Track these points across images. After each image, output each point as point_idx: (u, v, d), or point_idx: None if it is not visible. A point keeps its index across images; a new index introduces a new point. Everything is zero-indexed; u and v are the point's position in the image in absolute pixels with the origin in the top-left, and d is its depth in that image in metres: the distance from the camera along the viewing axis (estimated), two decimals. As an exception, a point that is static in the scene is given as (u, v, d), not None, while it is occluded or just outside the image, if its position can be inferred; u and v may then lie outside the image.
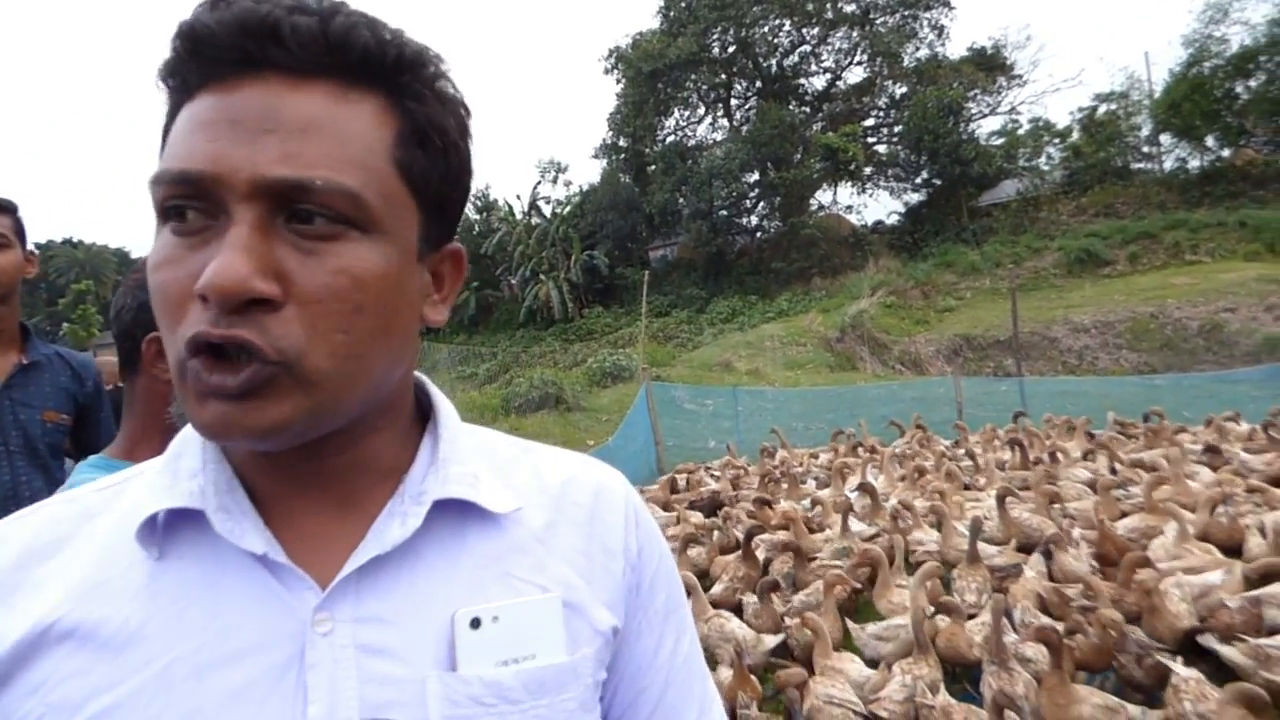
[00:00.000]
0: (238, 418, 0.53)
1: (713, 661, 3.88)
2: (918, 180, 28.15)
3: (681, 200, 28.57)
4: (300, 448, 0.58)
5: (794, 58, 31.29)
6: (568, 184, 32.54)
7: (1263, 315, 17.00)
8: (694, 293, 27.09)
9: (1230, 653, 3.21)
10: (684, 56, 29.05)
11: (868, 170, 28.60)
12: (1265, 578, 3.74)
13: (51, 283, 45.20)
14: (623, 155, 32.21)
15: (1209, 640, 3.40)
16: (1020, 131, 27.40)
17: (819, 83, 31.84)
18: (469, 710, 0.58)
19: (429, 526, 0.61)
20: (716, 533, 5.36)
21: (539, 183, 33.15)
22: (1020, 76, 28.53)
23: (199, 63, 0.54)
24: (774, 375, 15.17)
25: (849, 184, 29.10)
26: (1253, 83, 23.57)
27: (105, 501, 0.63)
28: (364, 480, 0.63)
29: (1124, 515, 4.73)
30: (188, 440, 0.64)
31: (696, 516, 6.02)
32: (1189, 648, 3.45)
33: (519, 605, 0.62)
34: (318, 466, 0.61)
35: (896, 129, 28.89)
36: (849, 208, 30.75)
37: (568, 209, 31.93)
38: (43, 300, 44.34)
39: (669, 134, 32.34)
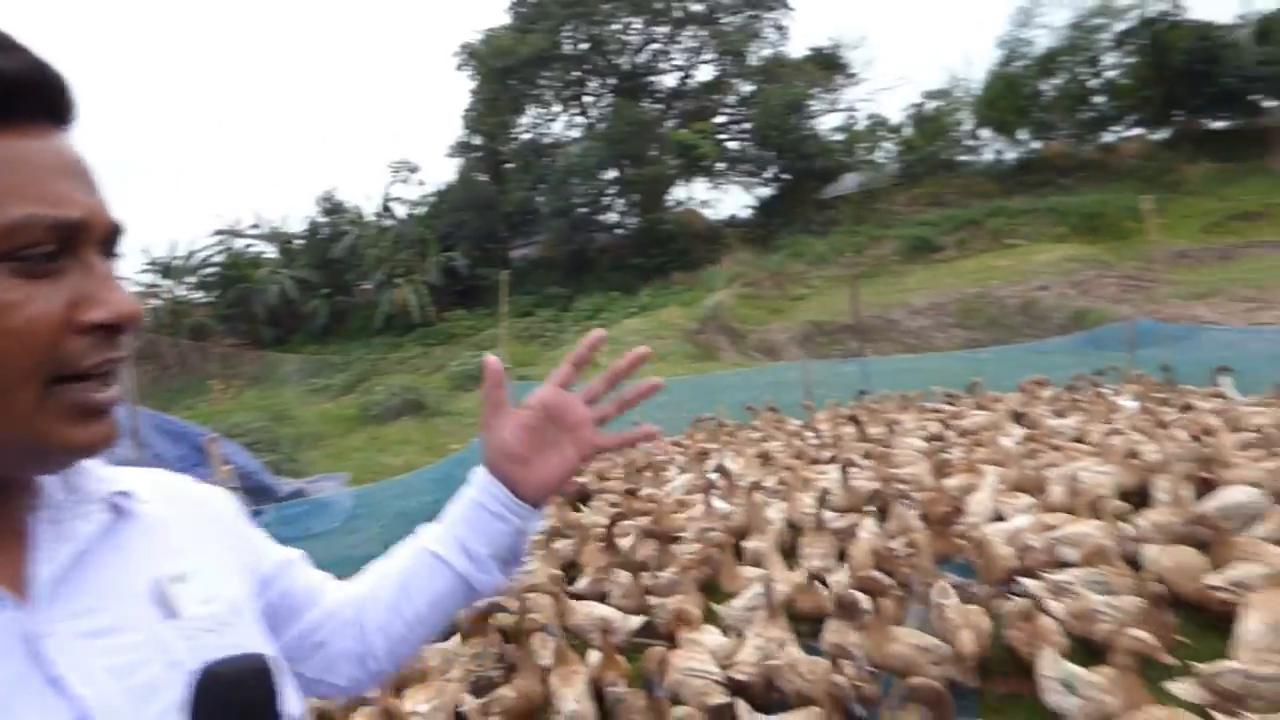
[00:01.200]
0: (111, 430, 0.64)
1: (584, 647, 3.93)
2: (767, 175, 29.43)
3: (540, 199, 28.45)
4: None
5: (645, 55, 31.86)
6: (421, 183, 31.53)
7: (1071, 291, 19.04)
8: (557, 291, 27.03)
9: (1034, 586, 3.61)
10: (536, 53, 28.93)
11: (720, 166, 29.57)
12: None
13: None
14: (478, 154, 31.68)
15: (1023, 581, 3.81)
16: (858, 127, 29.25)
17: (670, 80, 32.63)
18: (205, 639, 0.68)
19: (94, 526, 0.69)
20: (584, 524, 5.42)
21: (391, 183, 31.91)
22: (856, 75, 30.47)
23: (12, 104, 0.59)
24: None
25: (703, 179, 30.00)
26: (1056, 80, 26.36)
27: None
28: (18, 500, 0.66)
29: (948, 476, 5.19)
30: None
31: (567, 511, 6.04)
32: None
33: (195, 564, 0.74)
34: None
35: (746, 125, 30.04)
36: (704, 203, 31.72)
37: (423, 210, 31.00)
38: None
39: (524, 132, 32.11)
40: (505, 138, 31.33)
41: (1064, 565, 3.87)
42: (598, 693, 3.52)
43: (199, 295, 30.62)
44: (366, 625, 0.93)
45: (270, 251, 32.11)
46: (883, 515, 4.81)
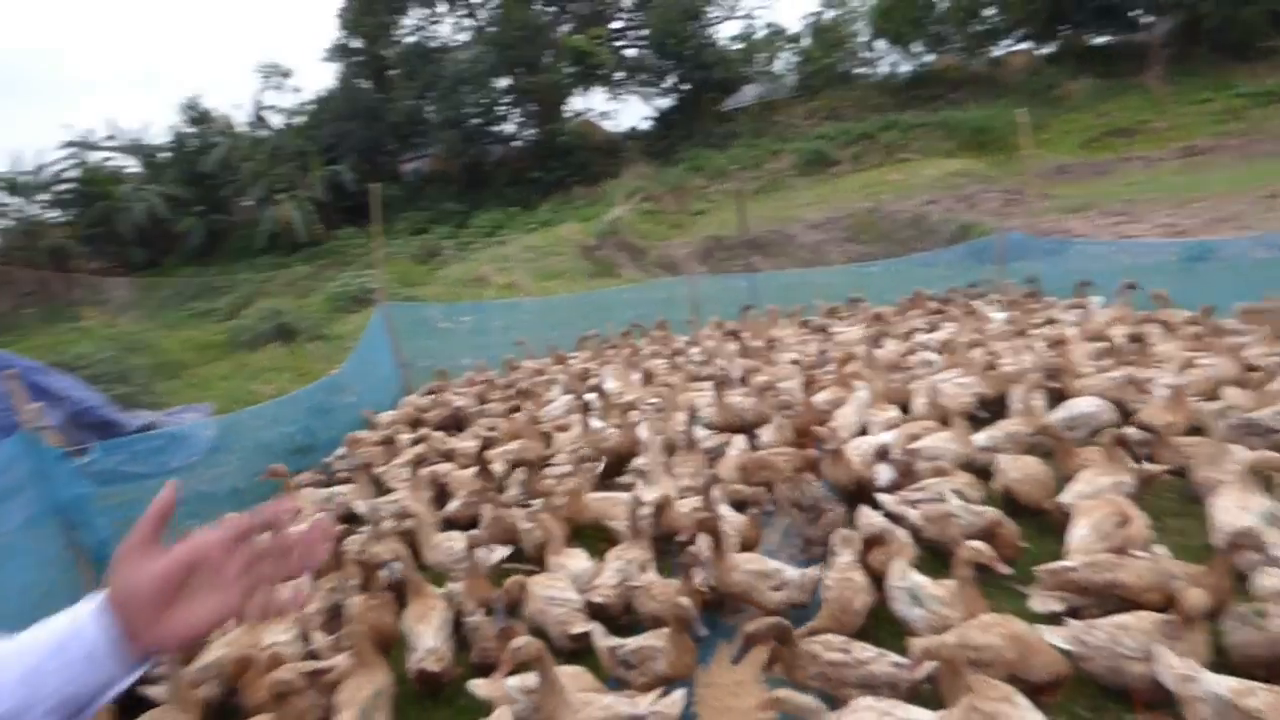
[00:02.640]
0: None
1: (443, 581, 3.81)
2: (666, 85, 28.67)
3: (429, 108, 26.86)
4: None
5: (533, -48, 29.97)
6: (297, 90, 29.13)
7: (958, 206, 19.59)
8: (453, 207, 25.89)
9: (888, 500, 3.69)
10: (415, -53, 26.77)
11: (618, 75, 28.58)
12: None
13: None
14: (359, 58, 29.44)
15: (883, 470, 3.88)
16: (757, 37, 28.68)
17: (563, -20, 30.89)
18: None
19: None
20: (456, 450, 5.24)
21: (262, 90, 29.37)
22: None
23: None
24: (531, 287, 15.06)
25: (601, 89, 28.99)
26: (951, -9, 26.43)
27: None
28: None
29: (819, 391, 5.25)
30: None
31: (439, 435, 5.85)
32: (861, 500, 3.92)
33: None
34: None
35: (643, 33, 28.97)
36: (603, 114, 30.70)
37: (301, 119, 28.80)
38: None
39: (407, 34, 29.93)
40: (387, 40, 29.16)
41: (920, 478, 3.97)
42: (457, 620, 3.45)
43: (55, 214, 27.73)
44: None
45: (132, 166, 29.28)
46: (750, 435, 4.84)
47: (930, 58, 27.49)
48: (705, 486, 3.79)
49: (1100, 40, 26.08)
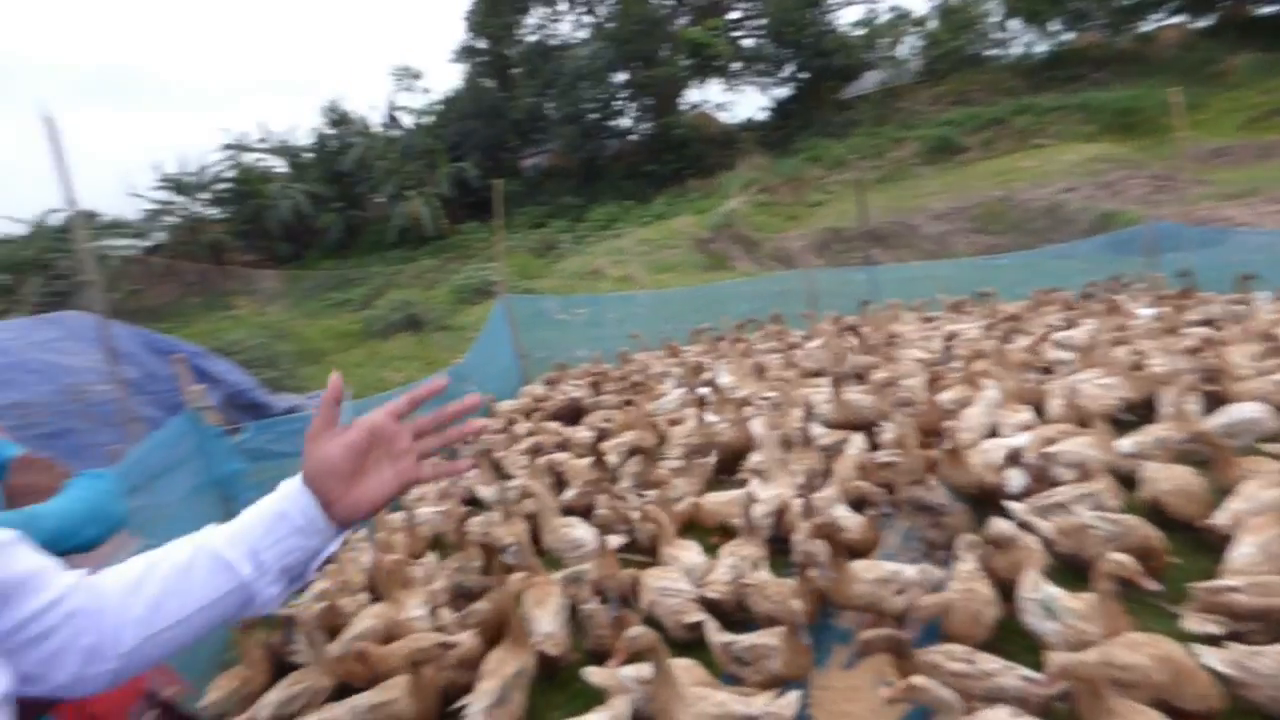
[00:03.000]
0: None
1: (560, 565, 3.92)
2: (783, 74, 28.15)
3: (549, 105, 27.51)
4: None
5: (654, -53, 30.06)
6: (426, 91, 30.52)
7: (1099, 193, 18.25)
8: (570, 201, 26.46)
9: (1017, 509, 3.49)
10: (539, -52, 27.42)
11: (735, 66, 28.28)
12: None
13: None
14: (483, 59, 30.49)
15: (1014, 476, 3.66)
16: (880, 21, 27.67)
17: (681, -27, 30.84)
18: None
19: None
20: (573, 440, 5.38)
21: (395, 92, 30.91)
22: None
23: None
24: (645, 280, 15.17)
25: (718, 80, 28.78)
26: (1093, -36, 24.57)
27: None
28: None
29: (944, 389, 5.02)
30: None
31: (554, 425, 6.01)
32: (990, 507, 3.73)
33: None
34: None
35: (761, 22, 28.54)
36: (719, 106, 30.50)
37: (430, 119, 30.15)
38: None
39: (530, 33, 30.72)
40: (510, 40, 30.06)
41: (1055, 484, 3.73)
42: (572, 608, 3.54)
43: (213, 212, 30.35)
44: (112, 618, 0.86)
45: (280, 166, 31.62)
46: (880, 432, 4.69)
47: (1069, 36, 25.65)
48: (809, 488, 3.71)
49: (1266, 10, 23.55)
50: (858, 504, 4.00)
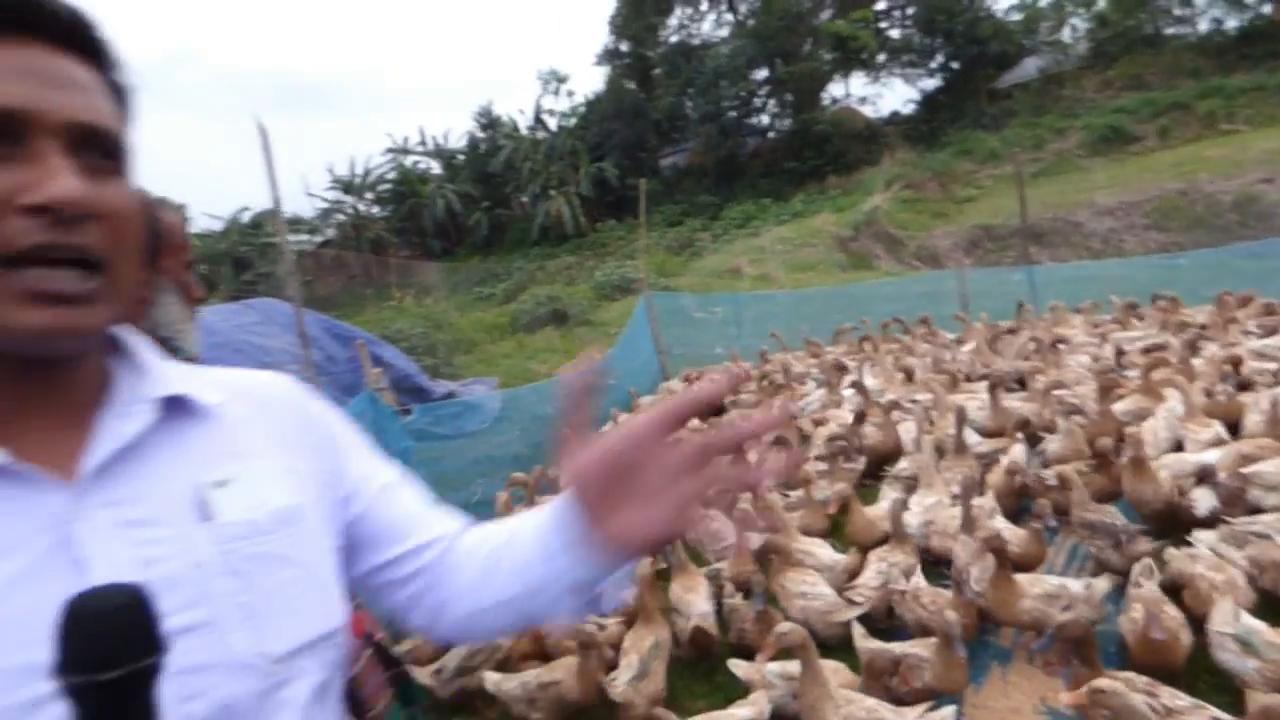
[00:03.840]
0: (73, 319, 0.64)
1: (701, 559, 3.97)
2: (933, 65, 26.91)
3: (689, 104, 27.67)
4: (40, 367, 0.67)
5: (799, -60, 29.51)
6: (570, 94, 31.53)
7: (1301, 184, 16.26)
8: (707, 199, 26.51)
9: (1207, 535, 3.19)
10: (682, -52, 27.58)
11: (880, 58, 27.31)
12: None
13: None
14: (625, 60, 31.08)
15: (1203, 496, 3.35)
16: (1041, 3, 25.84)
17: (826, -35, 30.11)
18: (232, 545, 0.70)
19: (155, 421, 0.72)
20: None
21: (541, 95, 32.09)
22: (1042, -58, 26.68)
23: None
24: (783, 279, 14.96)
25: (862, 74, 27.92)
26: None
27: None
28: (81, 393, 0.71)
29: (1119, 399, 4.65)
30: None
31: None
32: (1172, 528, 3.44)
33: (248, 467, 0.75)
34: (44, 384, 0.69)
35: (909, 11, 27.39)
36: (863, 100, 29.49)
37: (573, 121, 31.09)
38: None
39: (672, 34, 31.04)
40: (653, 42, 30.46)
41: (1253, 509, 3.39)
42: (719, 598, 3.59)
43: (376, 210, 32.88)
44: (456, 582, 0.87)
45: (435, 167, 33.72)
46: (1038, 442, 4.42)
47: (1268, 8, 22.91)
48: (966, 497, 3.55)
49: None
50: (1014, 515, 3.79)
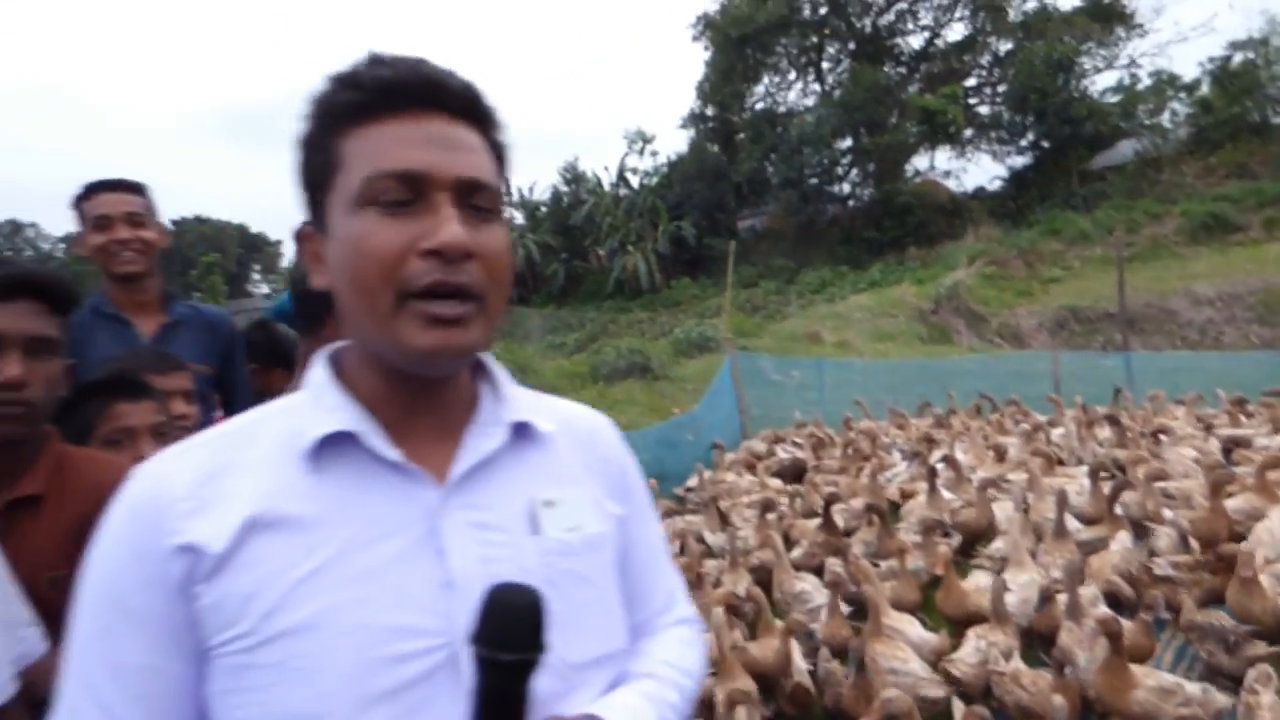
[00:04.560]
0: (454, 339, 0.78)
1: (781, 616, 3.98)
2: (1023, 142, 26.72)
3: (770, 169, 28.11)
4: (427, 384, 0.84)
5: (889, 16, 30.09)
6: (654, 154, 32.42)
7: None
8: (782, 263, 26.68)
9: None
10: (774, 20, 28.40)
11: (968, 133, 27.30)
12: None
13: (183, 255, 48.47)
14: (710, 124, 31.90)
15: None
16: (1140, 86, 25.52)
17: (916, 42, 30.59)
18: (550, 559, 0.83)
19: (506, 442, 0.86)
20: (798, 499, 5.43)
21: (626, 154, 33.09)
22: (1141, 26, 26.51)
23: (385, 100, 0.79)
24: (863, 347, 14.87)
25: (947, 148, 27.90)
26: None
27: (249, 435, 0.83)
28: (454, 411, 0.87)
29: (1230, 496, 4.50)
30: (322, 385, 0.85)
31: (776, 482, 6.10)
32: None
33: (570, 493, 0.89)
34: (429, 401, 0.85)
35: (1000, 88, 27.47)
36: (947, 173, 29.33)
37: (655, 180, 31.91)
38: (176, 271, 47.75)
39: (758, 101, 31.79)
40: (738, 107, 31.22)
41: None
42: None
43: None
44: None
45: (519, 217, 35.00)
46: (1136, 535, 4.31)
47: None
48: (1071, 580, 3.49)
49: None
50: (1117, 606, 3.70)
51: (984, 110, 28.16)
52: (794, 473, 6.58)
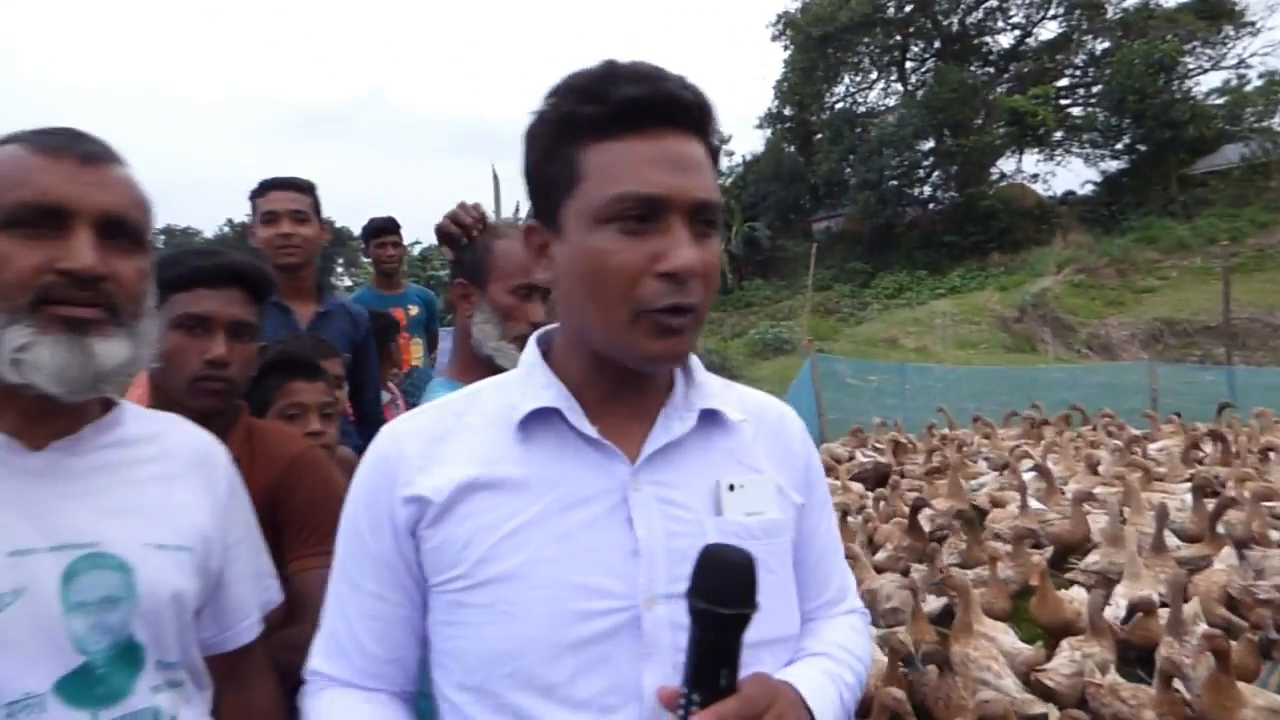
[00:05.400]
0: (679, 347, 0.86)
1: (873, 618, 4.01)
2: (1118, 146, 25.65)
3: (849, 170, 27.72)
4: (631, 373, 0.91)
5: (978, 14, 29.23)
6: (729, 154, 32.27)
7: None
8: (858, 266, 26.28)
9: None
10: (857, 18, 27.95)
11: (1058, 135, 26.32)
12: None
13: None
14: (787, 124, 31.60)
15: None
16: (1249, 88, 24.14)
17: (1005, 41, 29.64)
18: (731, 540, 0.84)
19: (695, 427, 0.93)
20: (882, 503, 5.43)
21: (702, 155, 32.89)
22: (1253, 24, 25.04)
23: (629, 118, 0.83)
24: (943, 354, 14.57)
25: (1036, 151, 26.96)
26: None
27: (469, 404, 0.96)
28: (650, 396, 0.95)
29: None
30: (533, 364, 0.95)
31: (858, 487, 6.09)
32: None
33: (752, 479, 0.94)
34: (629, 387, 0.93)
35: (1095, 89, 26.38)
36: (1035, 176, 28.35)
37: (729, 180, 31.81)
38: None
39: (838, 101, 31.36)
40: (817, 107, 30.86)
41: None
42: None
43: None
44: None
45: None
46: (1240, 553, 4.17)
47: None
48: (1174, 596, 3.41)
49: None
50: (1218, 626, 3.60)
51: (1077, 112, 27.12)
52: (876, 478, 6.54)
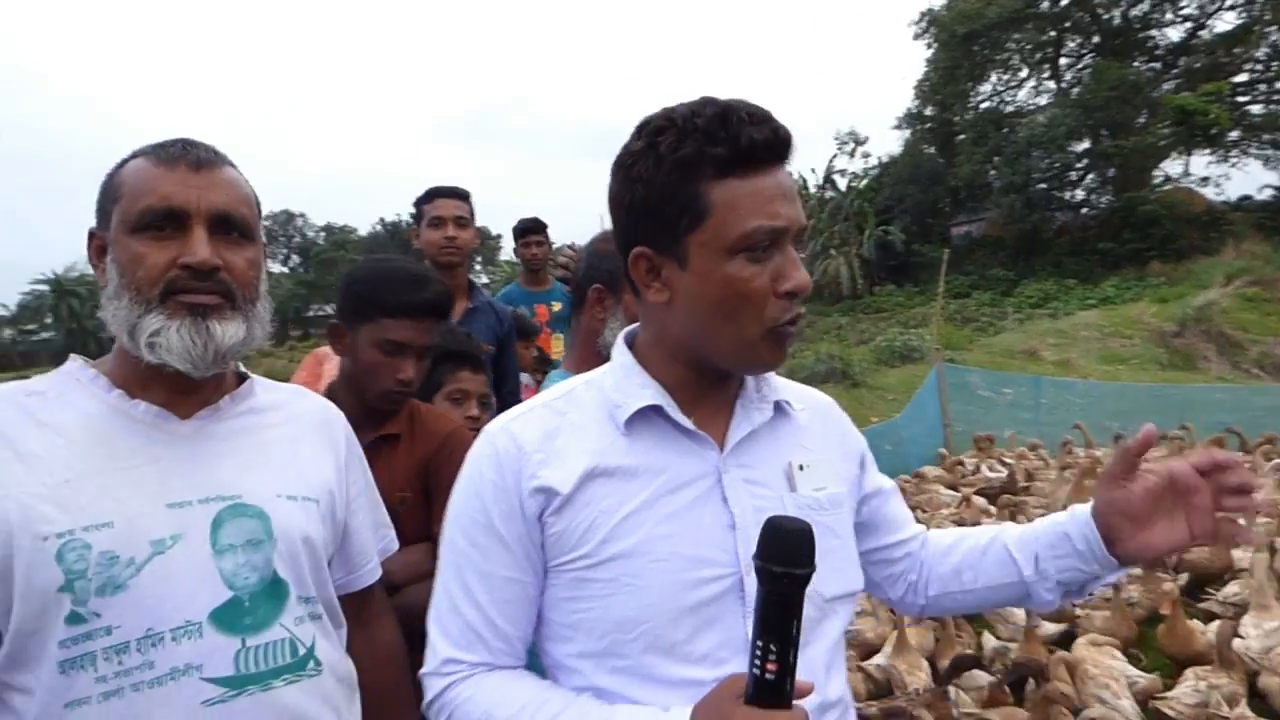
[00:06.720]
0: (784, 356, 1.01)
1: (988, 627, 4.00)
2: (1305, 146, 23.08)
3: (993, 172, 26.40)
4: (721, 374, 1.05)
5: (1143, 6, 27.01)
6: (865, 156, 31.41)
7: None
8: (999, 273, 24.97)
9: None
10: (1007, 14, 26.57)
11: (1234, 135, 23.98)
12: None
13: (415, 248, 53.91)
14: (928, 125, 30.47)
15: None
16: None
17: (1174, 34, 27.22)
18: (805, 511, 1.00)
19: (769, 416, 1.08)
20: (1006, 514, 5.33)
21: (835, 155, 32.32)
22: None
23: (750, 158, 0.94)
24: (1088, 368, 13.69)
25: (1207, 152, 24.65)
26: None
27: (569, 402, 1.07)
28: (727, 391, 1.09)
29: None
30: (629, 366, 1.07)
31: (980, 501, 5.98)
32: None
33: (815, 459, 1.10)
34: (715, 385, 1.07)
35: (1279, 85, 23.83)
36: (1204, 180, 25.89)
37: (864, 182, 31.02)
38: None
39: (983, 100, 29.92)
40: (961, 107, 29.55)
41: None
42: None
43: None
44: (930, 570, 1.24)
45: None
46: None
47: None
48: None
49: None
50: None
51: (1256, 110, 24.60)
52: (1002, 492, 6.38)
